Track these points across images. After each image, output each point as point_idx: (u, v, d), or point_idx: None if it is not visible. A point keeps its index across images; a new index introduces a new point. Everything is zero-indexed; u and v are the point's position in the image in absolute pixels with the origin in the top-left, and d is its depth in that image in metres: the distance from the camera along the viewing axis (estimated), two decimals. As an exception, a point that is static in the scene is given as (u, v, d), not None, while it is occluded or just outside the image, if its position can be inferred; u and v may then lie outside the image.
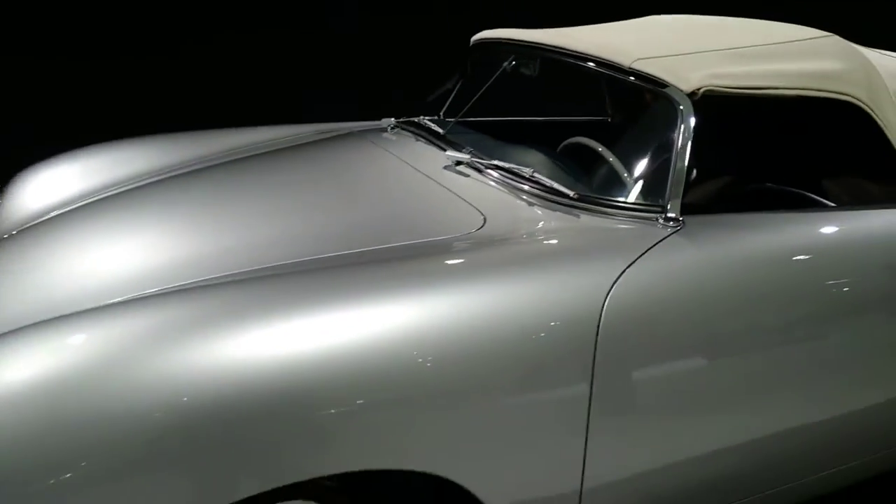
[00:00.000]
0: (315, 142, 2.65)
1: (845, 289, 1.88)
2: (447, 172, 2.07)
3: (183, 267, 1.72)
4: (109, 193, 2.33)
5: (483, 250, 1.69)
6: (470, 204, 1.88)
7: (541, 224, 1.80)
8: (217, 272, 1.66)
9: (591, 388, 1.53)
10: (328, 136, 2.74)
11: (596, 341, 1.52)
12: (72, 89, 4.07)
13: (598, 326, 1.53)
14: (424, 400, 1.42)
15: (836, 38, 2.19)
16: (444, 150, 2.19)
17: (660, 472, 1.67)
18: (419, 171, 2.11)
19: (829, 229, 1.96)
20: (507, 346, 1.48)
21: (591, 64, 2.08)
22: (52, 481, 1.21)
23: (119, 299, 1.60)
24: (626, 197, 1.88)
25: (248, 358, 1.33)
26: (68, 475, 1.22)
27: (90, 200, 2.29)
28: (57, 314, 1.48)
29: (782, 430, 1.83)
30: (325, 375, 1.35)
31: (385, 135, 2.57)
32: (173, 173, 2.45)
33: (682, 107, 1.84)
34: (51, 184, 2.44)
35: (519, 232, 1.77)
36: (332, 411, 1.35)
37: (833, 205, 2.35)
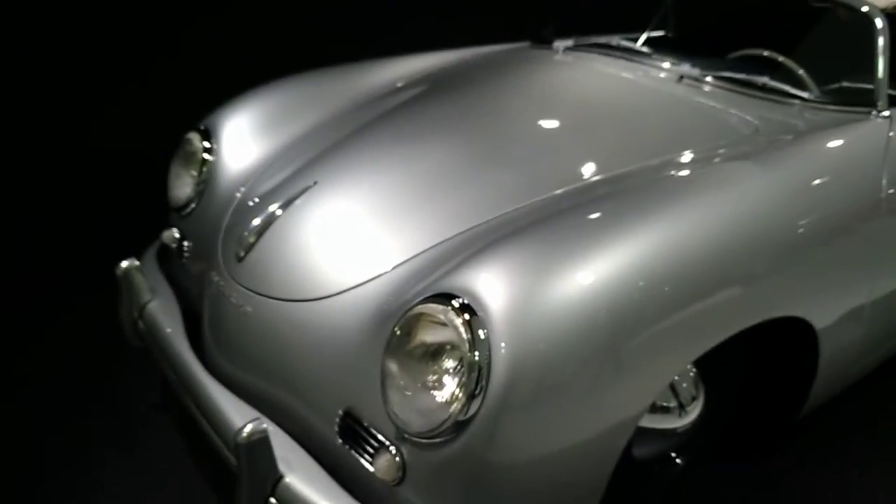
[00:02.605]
0: (494, 67, 2.92)
1: None
2: (679, 86, 2.49)
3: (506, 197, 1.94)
4: (339, 142, 2.36)
5: (775, 146, 2.13)
6: (733, 113, 2.32)
7: (793, 122, 2.27)
8: (531, 199, 1.92)
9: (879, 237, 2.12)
10: (494, 59, 3.05)
11: (881, 201, 2.10)
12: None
13: (882, 192, 2.10)
14: (789, 259, 1.91)
15: None
16: (653, 68, 2.61)
17: None
18: (657, 89, 2.50)
19: None
20: (826, 211, 2.00)
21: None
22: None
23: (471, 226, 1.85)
24: (833, 97, 2.40)
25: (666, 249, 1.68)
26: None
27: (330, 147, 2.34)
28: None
29: None
30: (735, 248, 1.79)
31: (558, 57, 2.93)
32: (393, 102, 2.61)
33: (880, 22, 2.35)
34: (258, 125, 2.53)
35: (784, 130, 2.23)
36: (740, 278, 1.78)
37: None
